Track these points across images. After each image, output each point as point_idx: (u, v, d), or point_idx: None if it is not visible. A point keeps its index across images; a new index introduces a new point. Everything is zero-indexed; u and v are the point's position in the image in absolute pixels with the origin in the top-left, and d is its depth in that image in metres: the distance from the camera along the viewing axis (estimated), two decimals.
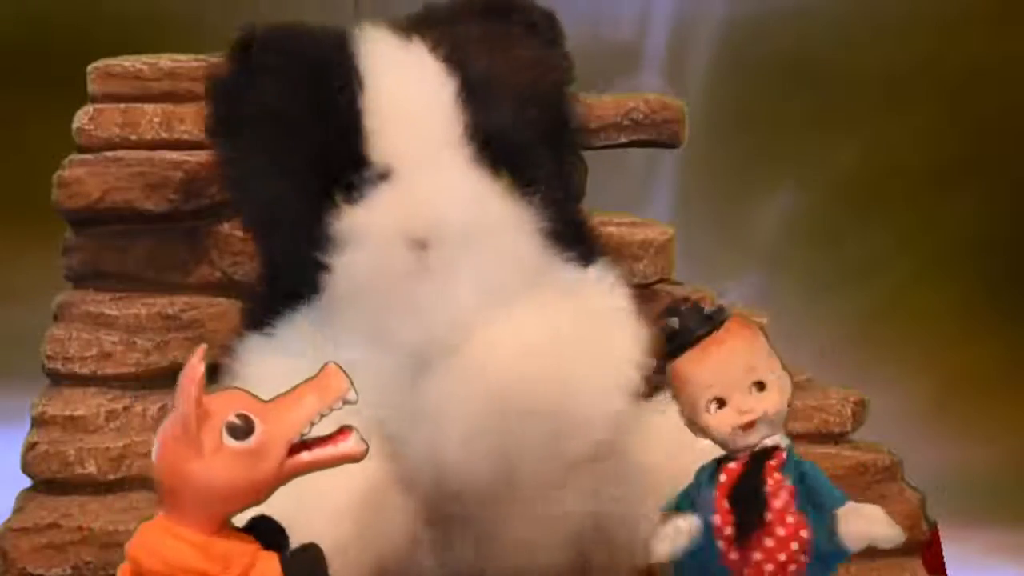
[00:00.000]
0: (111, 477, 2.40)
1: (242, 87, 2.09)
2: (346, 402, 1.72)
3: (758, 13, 3.81)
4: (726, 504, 1.81)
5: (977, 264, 3.87)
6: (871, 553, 2.51)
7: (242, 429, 1.71)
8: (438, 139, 1.99)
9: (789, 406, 1.87)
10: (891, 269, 3.83)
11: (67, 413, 2.45)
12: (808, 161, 3.75)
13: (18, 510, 2.39)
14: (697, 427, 1.85)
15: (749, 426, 1.81)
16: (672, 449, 1.98)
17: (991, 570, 3.40)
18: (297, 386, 1.75)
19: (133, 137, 2.65)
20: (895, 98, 3.80)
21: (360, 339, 1.98)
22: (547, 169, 2.07)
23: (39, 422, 2.46)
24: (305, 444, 1.73)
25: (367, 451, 1.74)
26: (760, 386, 1.81)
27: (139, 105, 2.68)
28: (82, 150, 2.65)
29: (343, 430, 1.74)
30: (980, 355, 3.79)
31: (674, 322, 1.85)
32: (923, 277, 3.85)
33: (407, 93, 2.01)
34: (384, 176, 1.98)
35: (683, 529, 1.83)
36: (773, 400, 1.81)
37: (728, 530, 1.81)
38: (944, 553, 2.62)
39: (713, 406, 1.82)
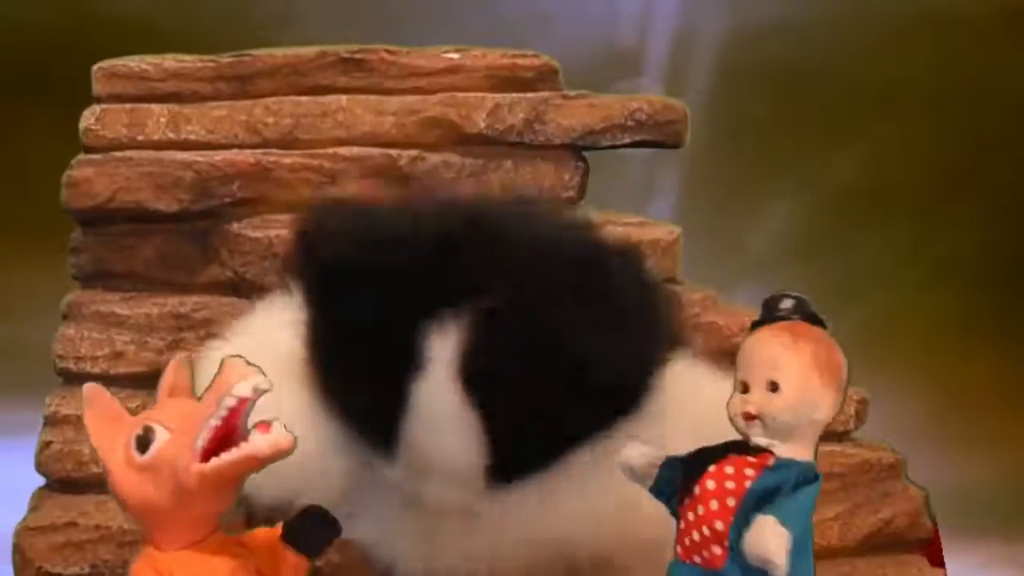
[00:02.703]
0: None
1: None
2: (242, 400, 1.67)
3: (758, 25, 3.83)
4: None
5: (976, 278, 3.88)
6: (878, 549, 2.58)
7: (142, 441, 1.72)
8: None
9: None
10: (889, 282, 3.85)
11: (80, 412, 2.43)
12: (807, 172, 3.76)
13: (33, 509, 2.39)
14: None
15: (747, 417, 1.82)
16: None
17: None
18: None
19: (140, 137, 2.65)
20: (894, 109, 3.81)
21: None
22: None
23: (52, 421, 2.46)
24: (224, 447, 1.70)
25: (289, 444, 1.69)
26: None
27: (145, 105, 2.68)
28: (88, 150, 2.64)
29: (259, 425, 1.70)
30: (979, 370, 3.80)
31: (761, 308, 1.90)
32: (921, 290, 3.87)
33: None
34: None
35: (637, 449, 1.90)
36: (780, 405, 1.81)
37: None
38: (945, 564, 2.65)
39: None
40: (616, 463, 1.91)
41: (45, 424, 2.46)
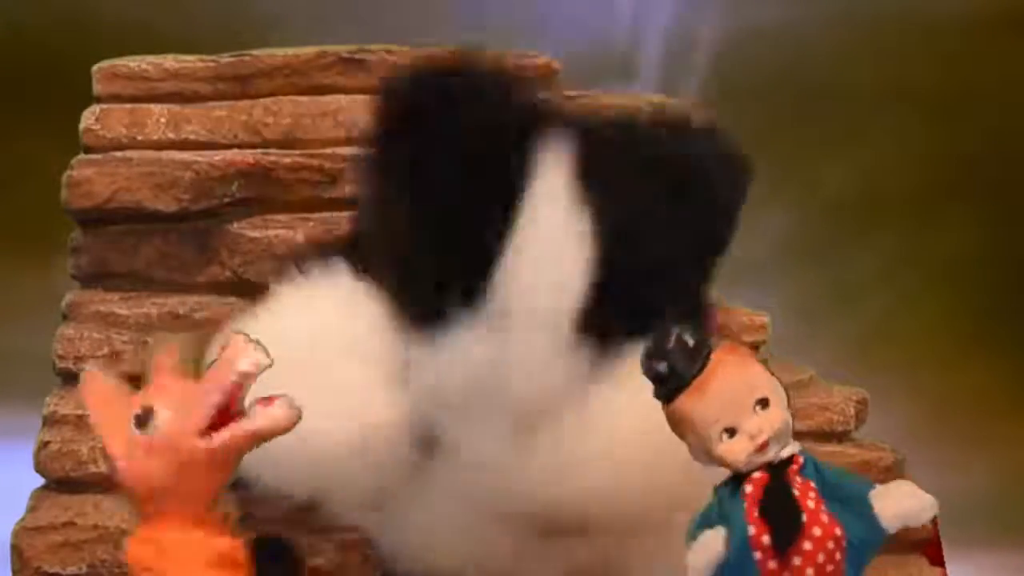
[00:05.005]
0: None
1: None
2: (244, 375, 1.70)
3: (752, 35, 3.83)
4: (757, 514, 1.78)
5: (976, 280, 3.88)
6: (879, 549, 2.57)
7: (141, 420, 1.74)
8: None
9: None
10: (888, 284, 3.84)
11: (79, 412, 2.43)
12: (801, 181, 3.76)
13: (32, 509, 2.38)
14: (711, 459, 1.82)
15: (764, 447, 1.78)
16: None
17: None
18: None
19: (140, 137, 2.65)
20: (889, 118, 3.81)
21: None
22: None
23: (51, 421, 2.45)
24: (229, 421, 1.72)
25: (293, 419, 1.72)
26: (764, 403, 1.79)
27: (145, 105, 2.68)
28: (88, 150, 2.64)
29: (267, 400, 1.72)
30: (979, 372, 3.79)
31: (662, 366, 1.80)
32: (921, 292, 3.86)
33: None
34: None
35: (717, 538, 1.79)
36: (778, 414, 1.79)
37: (765, 539, 1.77)
38: (945, 564, 2.64)
39: (725, 436, 1.79)
40: (705, 563, 1.80)
41: (44, 424, 2.46)
